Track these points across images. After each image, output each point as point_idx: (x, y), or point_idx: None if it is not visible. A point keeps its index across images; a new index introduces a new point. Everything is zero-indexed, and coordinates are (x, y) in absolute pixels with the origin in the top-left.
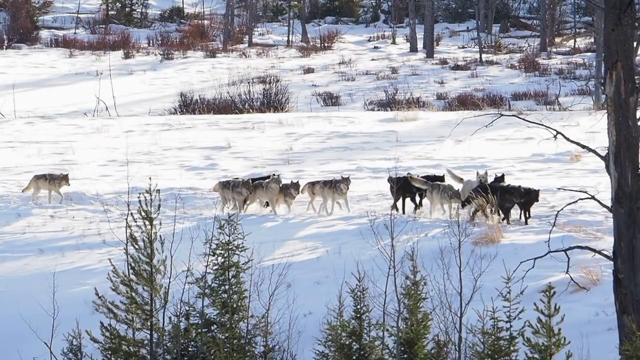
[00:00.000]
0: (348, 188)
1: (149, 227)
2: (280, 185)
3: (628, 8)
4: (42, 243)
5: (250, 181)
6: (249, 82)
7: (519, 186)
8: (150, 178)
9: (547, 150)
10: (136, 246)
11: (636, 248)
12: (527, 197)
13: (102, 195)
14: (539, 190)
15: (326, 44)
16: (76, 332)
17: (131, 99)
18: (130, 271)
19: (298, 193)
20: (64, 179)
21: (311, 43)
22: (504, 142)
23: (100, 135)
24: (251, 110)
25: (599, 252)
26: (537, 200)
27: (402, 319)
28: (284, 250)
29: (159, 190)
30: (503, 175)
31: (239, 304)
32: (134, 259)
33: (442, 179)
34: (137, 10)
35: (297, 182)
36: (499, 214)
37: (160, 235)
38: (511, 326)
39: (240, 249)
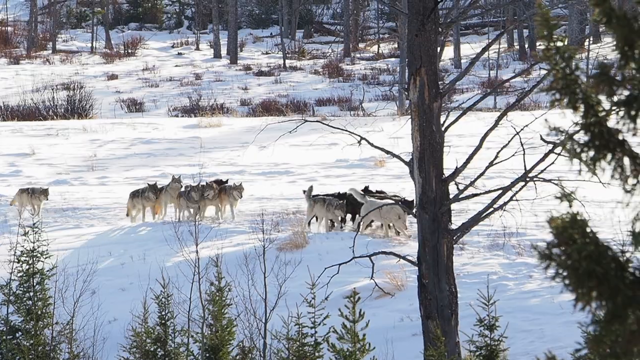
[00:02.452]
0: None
1: None
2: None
3: (431, 14)
4: None
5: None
6: (53, 89)
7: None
8: None
9: (351, 155)
10: None
11: (440, 253)
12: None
13: None
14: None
15: (130, 51)
16: None
17: None
18: None
19: (241, 195)
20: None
21: (115, 49)
22: (308, 148)
23: None
24: (55, 117)
25: (404, 258)
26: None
27: (206, 325)
28: (88, 256)
29: None
30: (367, 187)
31: (44, 310)
32: None
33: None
34: None
35: (240, 184)
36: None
37: None
38: (316, 332)
39: (45, 256)
